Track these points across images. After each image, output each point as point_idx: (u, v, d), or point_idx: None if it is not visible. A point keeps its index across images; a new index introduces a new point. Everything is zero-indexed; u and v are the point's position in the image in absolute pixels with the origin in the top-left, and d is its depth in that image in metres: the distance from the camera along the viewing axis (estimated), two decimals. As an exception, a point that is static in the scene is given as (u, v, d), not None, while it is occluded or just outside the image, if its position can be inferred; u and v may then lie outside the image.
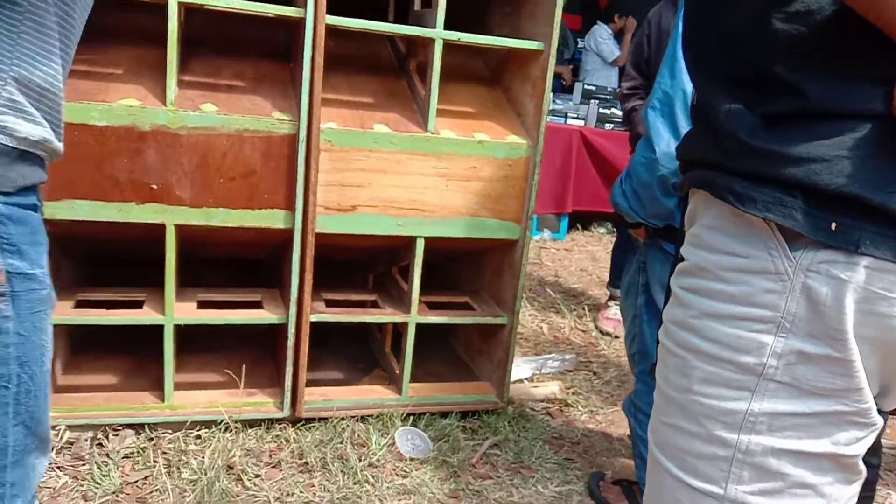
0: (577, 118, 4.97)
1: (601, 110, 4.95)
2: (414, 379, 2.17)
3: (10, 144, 0.79)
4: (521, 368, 2.57)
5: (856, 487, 0.77)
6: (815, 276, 0.69)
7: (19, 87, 0.78)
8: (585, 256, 4.58)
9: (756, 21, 0.71)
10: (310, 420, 2.05)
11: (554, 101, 5.01)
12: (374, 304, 2.20)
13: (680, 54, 1.45)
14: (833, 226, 0.68)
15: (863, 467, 0.76)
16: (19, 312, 0.82)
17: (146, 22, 1.97)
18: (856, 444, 0.74)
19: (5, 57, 0.76)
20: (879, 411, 0.75)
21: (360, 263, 2.53)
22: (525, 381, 2.52)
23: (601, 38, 6.19)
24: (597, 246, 4.88)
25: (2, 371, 0.82)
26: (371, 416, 2.09)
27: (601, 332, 3.16)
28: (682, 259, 0.82)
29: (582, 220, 5.20)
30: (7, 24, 0.76)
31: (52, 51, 0.81)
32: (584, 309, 3.45)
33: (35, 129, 0.81)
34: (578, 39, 6.83)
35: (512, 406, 2.29)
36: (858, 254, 0.67)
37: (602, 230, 5.24)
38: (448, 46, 1.98)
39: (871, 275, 0.68)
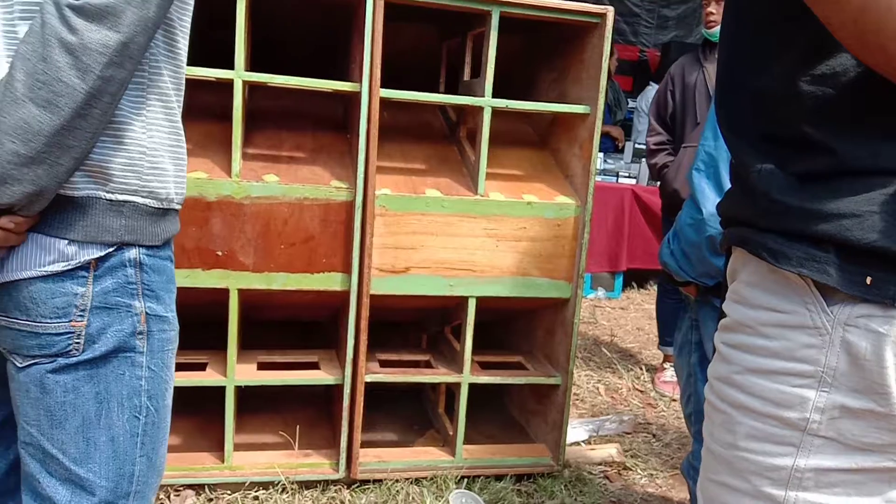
0: (629, 177, 4.98)
1: (653, 168, 4.95)
2: (468, 440, 2.17)
3: (156, 205, 0.92)
4: (577, 430, 2.53)
5: None
6: (854, 331, 0.69)
7: (159, 151, 0.91)
8: (642, 315, 4.52)
9: (784, 83, 0.73)
10: (364, 482, 2.06)
11: (605, 161, 5.04)
12: (428, 364, 2.22)
13: None
14: (868, 280, 0.68)
15: None
16: (152, 349, 0.94)
17: (212, 100, 2.11)
18: None
19: (143, 129, 0.88)
20: None
21: (414, 324, 2.57)
22: (581, 444, 2.48)
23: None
24: (652, 304, 4.78)
25: (135, 402, 0.93)
26: (425, 478, 2.08)
27: (659, 394, 3.10)
28: (725, 315, 0.83)
29: (637, 278, 5.15)
30: (136, 101, 0.88)
31: (173, 108, 0.94)
32: (641, 368, 3.38)
33: (174, 187, 0.94)
34: (629, 100, 6.90)
35: (568, 469, 2.25)
36: (895, 307, 0.68)
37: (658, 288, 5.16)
38: (497, 112, 2.05)
39: None
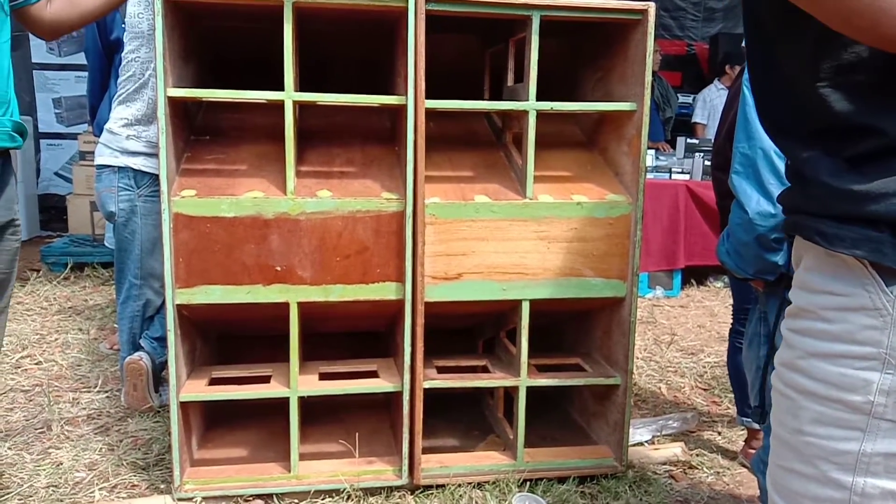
0: (682, 172, 4.90)
1: (706, 163, 4.86)
2: (529, 444, 2.17)
3: None
4: (640, 431, 2.50)
5: None
6: None
7: None
8: (703, 312, 4.43)
9: (810, 77, 0.73)
10: (427, 487, 2.09)
11: (657, 158, 4.97)
12: (485, 369, 2.23)
13: (751, 117, 1.54)
14: None
15: None
16: None
17: (264, 121, 2.18)
18: None
19: None
20: None
21: (470, 330, 2.59)
22: (645, 444, 2.45)
23: (715, 94, 6.08)
24: (714, 300, 4.70)
25: None
26: (487, 482, 2.09)
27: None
28: (790, 303, 0.84)
29: (696, 275, 5.05)
30: None
31: None
32: (703, 366, 3.32)
33: None
34: (679, 95, 6.78)
35: (632, 470, 2.22)
36: None
37: (719, 284, 5.05)
38: (542, 115, 2.06)
39: None
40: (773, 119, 0.85)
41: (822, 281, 0.76)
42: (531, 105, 2.01)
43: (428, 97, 1.94)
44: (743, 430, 2.60)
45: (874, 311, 0.71)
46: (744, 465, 2.33)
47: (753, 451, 2.70)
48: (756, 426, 2.24)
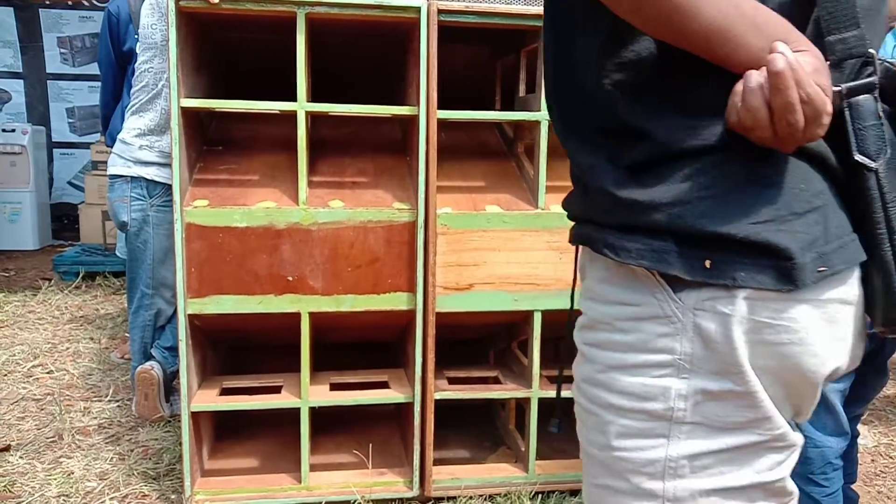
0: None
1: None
2: (541, 456, 2.16)
3: None
4: (652, 443, 2.48)
5: None
6: (703, 314, 0.69)
7: None
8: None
9: (597, 72, 0.73)
10: (439, 499, 2.07)
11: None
12: (496, 380, 2.22)
13: None
14: (707, 263, 0.68)
15: (792, 487, 0.74)
16: None
17: (277, 131, 2.19)
18: (777, 468, 0.72)
19: None
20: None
21: (481, 341, 2.58)
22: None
23: None
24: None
25: None
26: (499, 494, 2.08)
27: None
28: (581, 313, 0.83)
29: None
30: None
31: None
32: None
33: None
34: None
35: (645, 483, 2.20)
36: (736, 287, 0.68)
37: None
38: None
39: (752, 305, 0.68)
40: (560, 110, 0.82)
41: (614, 292, 0.76)
42: (543, 116, 2.01)
43: (439, 108, 1.94)
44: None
45: (665, 319, 0.71)
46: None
47: None
48: None
